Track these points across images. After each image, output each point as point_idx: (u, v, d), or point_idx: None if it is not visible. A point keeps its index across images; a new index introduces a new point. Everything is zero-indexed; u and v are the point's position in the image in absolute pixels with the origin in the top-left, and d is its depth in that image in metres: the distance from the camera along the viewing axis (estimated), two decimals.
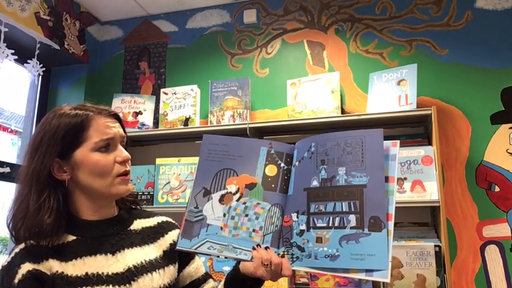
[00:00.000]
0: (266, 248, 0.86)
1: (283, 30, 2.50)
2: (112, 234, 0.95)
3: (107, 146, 0.92)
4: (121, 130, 0.96)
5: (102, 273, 0.88)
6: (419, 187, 1.85)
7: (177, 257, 1.02)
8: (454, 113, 2.12)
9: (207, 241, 0.89)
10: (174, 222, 1.08)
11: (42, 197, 0.88)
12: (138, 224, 1.02)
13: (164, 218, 1.08)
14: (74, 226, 0.92)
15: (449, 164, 2.08)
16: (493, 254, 1.96)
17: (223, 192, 0.92)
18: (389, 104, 2.04)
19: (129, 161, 0.96)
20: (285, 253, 0.86)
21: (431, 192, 1.83)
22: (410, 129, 2.15)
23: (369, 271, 0.77)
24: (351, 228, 0.81)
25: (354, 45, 2.35)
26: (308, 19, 2.46)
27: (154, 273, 0.93)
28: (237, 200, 0.91)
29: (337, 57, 2.37)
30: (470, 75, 2.14)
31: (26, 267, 0.84)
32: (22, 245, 0.88)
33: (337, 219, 0.83)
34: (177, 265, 1.02)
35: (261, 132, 2.31)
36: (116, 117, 0.98)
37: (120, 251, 0.93)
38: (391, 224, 0.78)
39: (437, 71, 2.19)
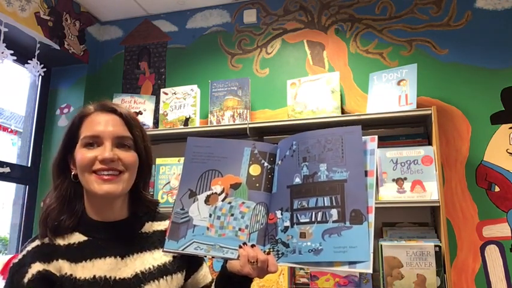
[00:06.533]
0: (252, 245, 0.87)
1: (283, 30, 2.50)
2: (122, 237, 0.94)
3: (92, 143, 0.90)
4: (117, 129, 0.91)
5: (110, 277, 0.88)
6: (419, 187, 1.85)
7: (186, 263, 1.02)
8: (454, 113, 2.12)
9: (193, 242, 0.90)
10: None
11: (55, 183, 0.94)
12: (149, 227, 1.01)
13: None
14: (84, 225, 0.92)
15: (449, 164, 2.08)
16: (493, 254, 1.96)
17: (208, 193, 0.93)
18: (389, 104, 2.04)
19: (120, 161, 0.89)
20: (271, 250, 0.87)
21: (431, 192, 1.83)
22: (410, 129, 2.15)
23: (352, 263, 0.78)
24: (333, 222, 0.82)
25: (354, 45, 2.35)
26: (308, 19, 2.46)
27: (161, 280, 0.93)
28: (223, 200, 0.92)
29: (337, 57, 2.37)
30: (470, 75, 2.14)
31: (36, 267, 0.84)
32: (34, 243, 0.89)
33: (320, 214, 0.84)
34: (184, 272, 1.01)
35: (261, 132, 2.30)
36: (116, 114, 0.93)
37: (129, 255, 0.93)
38: (371, 217, 0.80)
39: (437, 71, 2.19)
